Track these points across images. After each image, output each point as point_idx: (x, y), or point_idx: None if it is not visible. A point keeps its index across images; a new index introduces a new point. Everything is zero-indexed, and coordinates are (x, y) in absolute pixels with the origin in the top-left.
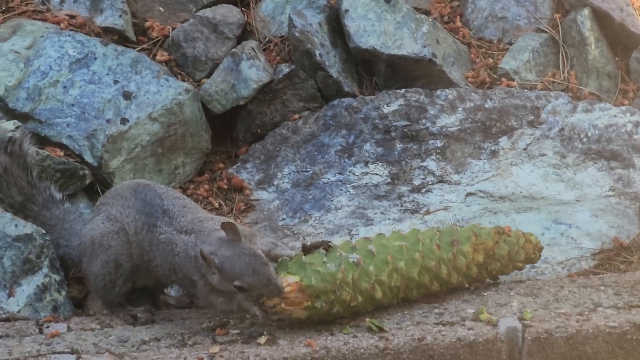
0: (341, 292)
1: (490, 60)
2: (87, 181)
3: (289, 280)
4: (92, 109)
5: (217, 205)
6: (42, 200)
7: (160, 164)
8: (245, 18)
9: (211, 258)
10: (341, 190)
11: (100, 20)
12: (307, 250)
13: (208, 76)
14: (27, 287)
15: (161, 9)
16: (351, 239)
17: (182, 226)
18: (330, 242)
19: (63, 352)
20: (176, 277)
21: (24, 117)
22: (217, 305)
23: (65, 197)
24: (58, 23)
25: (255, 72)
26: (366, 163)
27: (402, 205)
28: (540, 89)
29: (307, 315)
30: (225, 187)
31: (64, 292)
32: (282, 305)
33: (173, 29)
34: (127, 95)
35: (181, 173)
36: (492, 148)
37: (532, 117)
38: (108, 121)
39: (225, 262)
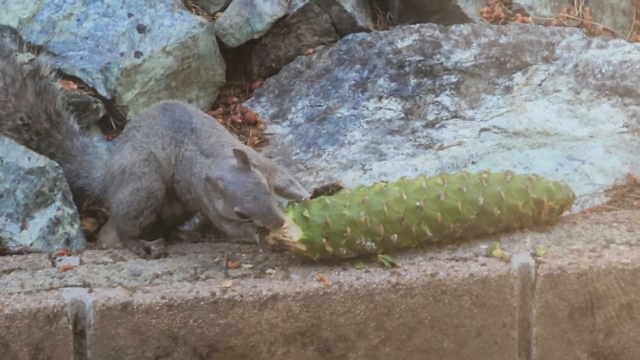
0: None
1: None
2: (101, 114)
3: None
4: (105, 42)
5: None
6: (66, 129)
7: (174, 97)
8: None
9: (216, 182)
10: (355, 125)
11: None
12: (317, 193)
13: (222, 10)
14: (40, 220)
15: None
16: (364, 173)
17: (205, 148)
18: (340, 183)
19: (75, 286)
20: (190, 197)
21: (38, 50)
22: (227, 230)
23: (83, 130)
24: None
25: (269, 5)
26: (380, 98)
27: (415, 141)
28: (555, 25)
29: (307, 249)
30: (240, 121)
31: (76, 226)
32: (281, 236)
33: None
34: (141, 29)
35: None
36: (507, 84)
37: (547, 53)
38: (122, 54)
39: (229, 187)
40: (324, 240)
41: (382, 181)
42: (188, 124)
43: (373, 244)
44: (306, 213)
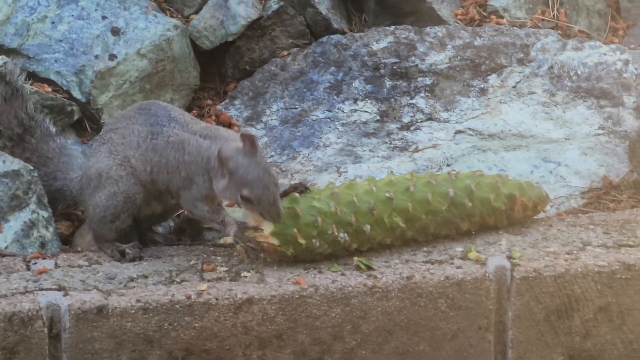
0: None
1: None
2: (75, 117)
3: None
4: (80, 44)
5: None
6: (40, 132)
7: (148, 100)
8: None
9: (227, 161)
10: (330, 127)
11: None
12: (286, 193)
13: (197, 12)
14: (15, 223)
15: None
16: (339, 176)
17: (197, 130)
18: (307, 184)
19: (50, 289)
20: (174, 177)
21: (12, 53)
22: (201, 211)
23: (59, 131)
24: None
25: (244, 8)
26: (355, 100)
27: (390, 143)
28: (530, 27)
29: (279, 242)
30: (214, 123)
31: (51, 229)
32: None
33: None
34: (116, 31)
35: None
36: (481, 86)
37: (522, 55)
38: (96, 57)
39: (240, 168)
40: (295, 230)
41: (351, 180)
42: (165, 116)
43: (346, 235)
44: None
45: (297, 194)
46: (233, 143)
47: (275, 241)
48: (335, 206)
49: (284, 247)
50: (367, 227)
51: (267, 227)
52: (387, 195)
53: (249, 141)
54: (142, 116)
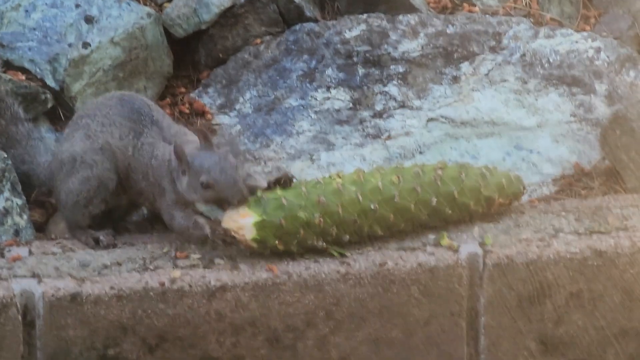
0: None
1: None
2: (49, 105)
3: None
4: (54, 32)
5: None
6: (10, 114)
7: (121, 88)
8: None
9: (183, 153)
10: (303, 115)
11: None
12: (270, 186)
13: (170, 1)
14: None
15: None
16: (312, 163)
17: (167, 136)
18: (290, 174)
19: (24, 276)
20: (147, 184)
21: None
22: (177, 219)
23: (29, 118)
24: None
25: None
26: (328, 88)
27: (363, 130)
28: (502, 15)
29: (260, 233)
30: (187, 111)
31: (25, 216)
32: (233, 233)
33: None
34: (89, 20)
35: None
36: (454, 74)
37: (494, 43)
38: (70, 45)
39: (196, 159)
40: (277, 241)
41: (337, 174)
42: (148, 116)
43: (324, 243)
44: (262, 214)
45: (283, 197)
46: (194, 144)
47: (254, 244)
48: (319, 217)
49: (261, 249)
50: (347, 237)
51: (248, 232)
52: (372, 207)
53: (202, 135)
54: (124, 108)
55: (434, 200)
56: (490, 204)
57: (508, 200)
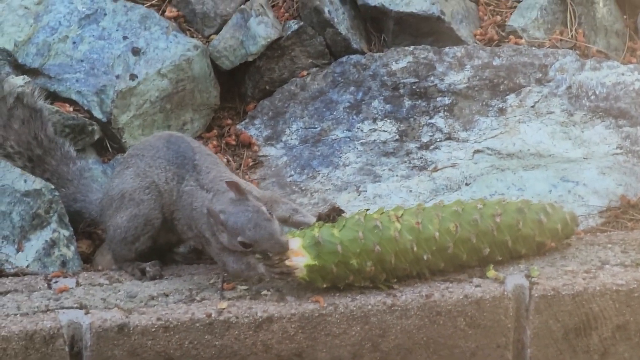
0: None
1: (499, 17)
2: (96, 137)
3: (293, 243)
4: (101, 64)
5: (225, 161)
6: (60, 154)
7: (168, 120)
8: None
9: (217, 214)
10: (349, 146)
11: None
12: (320, 218)
13: (217, 32)
14: (36, 242)
15: None
16: (359, 195)
17: (205, 183)
18: (339, 206)
19: (72, 307)
20: (192, 234)
21: (33, 73)
22: (229, 264)
23: (79, 153)
24: None
25: (263, 28)
26: (374, 120)
27: (410, 162)
28: (548, 47)
29: (310, 275)
30: (234, 143)
31: (72, 247)
32: (286, 262)
33: None
34: (136, 51)
35: (189, 129)
36: (500, 105)
37: (540, 75)
38: (117, 77)
39: (230, 218)
40: (325, 283)
41: (397, 215)
42: (191, 160)
43: (370, 284)
44: (315, 258)
45: (339, 244)
46: (227, 193)
47: (306, 276)
48: (371, 266)
49: (316, 281)
50: (395, 281)
51: (299, 271)
52: (425, 257)
53: (234, 188)
54: (170, 151)
55: (487, 250)
56: (541, 248)
57: (559, 242)
